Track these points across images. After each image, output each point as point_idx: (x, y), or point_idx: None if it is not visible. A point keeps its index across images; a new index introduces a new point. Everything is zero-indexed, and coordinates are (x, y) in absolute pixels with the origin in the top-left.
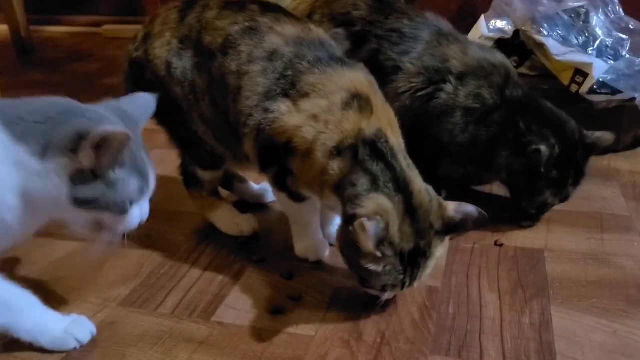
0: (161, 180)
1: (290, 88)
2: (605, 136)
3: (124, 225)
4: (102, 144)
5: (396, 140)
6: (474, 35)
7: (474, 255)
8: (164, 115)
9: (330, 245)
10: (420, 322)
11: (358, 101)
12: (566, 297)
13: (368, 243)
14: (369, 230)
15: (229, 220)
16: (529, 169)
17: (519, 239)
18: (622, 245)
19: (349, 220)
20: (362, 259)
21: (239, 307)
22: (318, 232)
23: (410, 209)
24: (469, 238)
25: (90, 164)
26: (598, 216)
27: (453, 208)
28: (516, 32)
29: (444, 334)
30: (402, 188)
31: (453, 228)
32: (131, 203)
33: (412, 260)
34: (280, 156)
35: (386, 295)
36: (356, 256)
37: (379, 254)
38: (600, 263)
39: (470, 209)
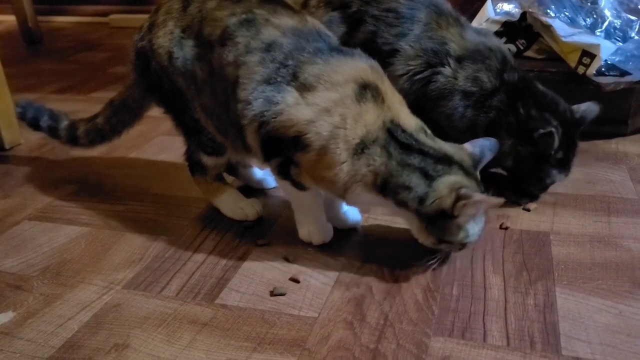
0: (166, 166)
1: (293, 79)
2: (591, 107)
3: None
4: None
5: (409, 121)
6: (481, 18)
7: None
8: (170, 103)
9: (335, 228)
10: (423, 303)
11: (370, 91)
12: (571, 279)
13: (488, 201)
14: (473, 197)
15: (234, 205)
16: (537, 154)
17: (524, 222)
18: (629, 227)
19: (433, 217)
20: (462, 231)
21: (243, 290)
22: (322, 215)
23: (464, 170)
24: None
25: None
26: (605, 199)
27: (470, 146)
28: (523, 15)
29: (448, 316)
30: (448, 162)
31: (479, 162)
32: None
33: None
34: (285, 148)
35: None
36: (459, 232)
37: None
38: (607, 245)
39: (481, 141)
